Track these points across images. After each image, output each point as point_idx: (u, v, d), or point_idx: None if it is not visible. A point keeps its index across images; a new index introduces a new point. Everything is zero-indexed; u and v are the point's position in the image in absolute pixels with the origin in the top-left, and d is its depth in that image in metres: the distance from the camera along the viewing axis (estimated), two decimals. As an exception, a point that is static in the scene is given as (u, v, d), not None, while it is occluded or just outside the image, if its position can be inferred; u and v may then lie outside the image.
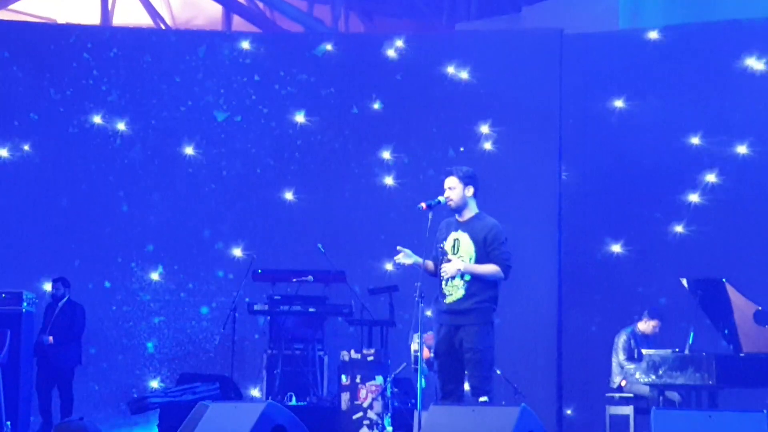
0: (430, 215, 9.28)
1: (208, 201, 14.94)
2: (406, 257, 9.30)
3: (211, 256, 14.82)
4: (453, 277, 9.27)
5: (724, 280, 11.29)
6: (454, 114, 14.75)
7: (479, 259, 9.28)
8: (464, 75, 14.78)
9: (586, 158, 14.47)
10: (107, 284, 14.72)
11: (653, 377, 11.34)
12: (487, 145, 14.54)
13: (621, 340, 12.61)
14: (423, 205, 9.35)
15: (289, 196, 14.88)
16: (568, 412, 14.00)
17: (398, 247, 9.30)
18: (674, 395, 11.72)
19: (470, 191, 9.41)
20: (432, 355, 9.78)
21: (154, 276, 14.75)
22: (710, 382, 10.94)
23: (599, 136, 14.47)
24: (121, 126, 14.89)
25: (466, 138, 14.63)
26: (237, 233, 14.82)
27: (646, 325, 12.70)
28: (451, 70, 14.82)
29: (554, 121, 14.43)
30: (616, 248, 14.31)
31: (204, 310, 14.77)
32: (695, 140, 14.26)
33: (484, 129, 14.62)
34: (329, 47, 15.03)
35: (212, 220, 14.89)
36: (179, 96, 15.05)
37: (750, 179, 14.08)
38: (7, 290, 13.03)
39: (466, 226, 9.39)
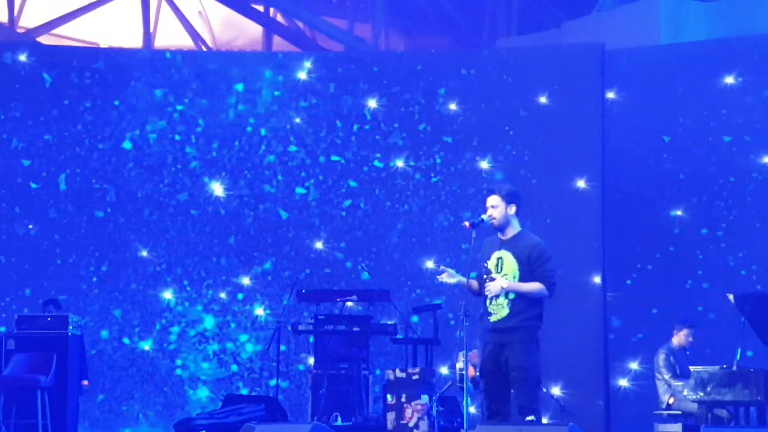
0: (473, 234, 9.26)
1: (248, 219, 14.94)
2: (449, 276, 9.27)
3: (253, 274, 14.80)
4: (497, 296, 9.23)
5: (771, 293, 11.20)
6: (495, 129, 14.69)
7: (523, 278, 9.24)
8: (506, 90, 14.74)
9: (628, 173, 14.36)
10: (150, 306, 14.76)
11: (701, 394, 11.23)
12: (529, 160, 14.47)
13: (660, 359, 12.53)
14: (466, 223, 9.33)
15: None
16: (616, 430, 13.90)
17: (441, 267, 9.29)
18: (723, 412, 11.58)
19: (513, 209, 9.36)
20: (477, 373, 9.73)
21: (196, 295, 14.79)
22: (759, 399, 10.82)
23: (642, 149, 14.37)
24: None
25: (507, 153, 14.57)
26: (281, 252, 14.81)
27: (679, 338, 12.65)
28: (492, 85, 14.79)
29: (597, 135, 14.35)
30: (661, 263, 14.20)
31: (247, 331, 14.78)
32: (739, 153, 14.17)
33: (527, 143, 14.56)
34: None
35: (256, 238, 14.88)
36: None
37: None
38: (53, 314, 13.10)
39: (509, 245, 9.35)
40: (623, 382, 14.05)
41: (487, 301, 9.30)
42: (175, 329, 14.71)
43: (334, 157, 14.98)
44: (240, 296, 14.78)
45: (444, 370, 13.74)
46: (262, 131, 15.06)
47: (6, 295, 14.40)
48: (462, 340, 9.10)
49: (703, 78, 14.41)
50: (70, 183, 14.77)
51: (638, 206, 14.38)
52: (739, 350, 11.11)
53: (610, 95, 14.52)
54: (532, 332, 9.28)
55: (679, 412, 12.01)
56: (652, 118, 14.44)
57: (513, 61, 14.99)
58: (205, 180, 14.92)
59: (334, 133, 15.05)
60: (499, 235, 9.42)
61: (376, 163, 14.94)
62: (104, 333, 14.54)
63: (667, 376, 12.33)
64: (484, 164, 14.61)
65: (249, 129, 15.05)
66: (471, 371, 11.85)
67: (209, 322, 14.74)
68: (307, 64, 15.05)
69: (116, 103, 14.92)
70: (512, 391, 9.21)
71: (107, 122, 14.92)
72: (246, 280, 14.76)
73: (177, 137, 14.97)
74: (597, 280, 14.10)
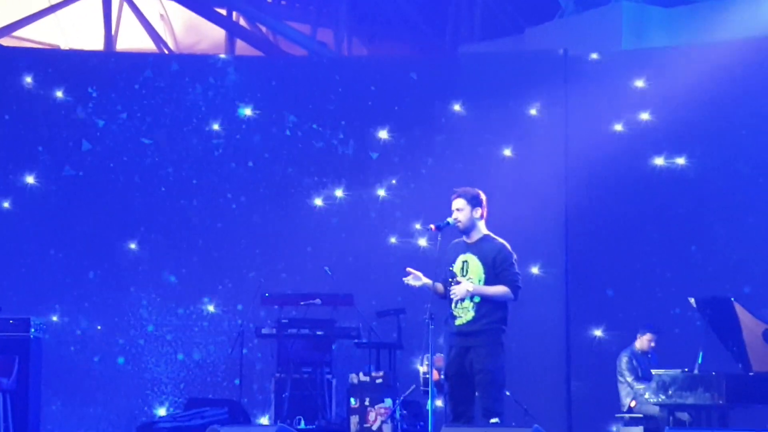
0: (439, 237, 9.32)
1: (212, 223, 14.90)
2: (415, 279, 9.31)
3: (217, 278, 14.76)
4: (462, 299, 9.29)
5: (732, 299, 11.31)
6: (460, 136, 14.75)
7: (488, 281, 9.29)
8: (468, 99, 14.78)
9: (591, 178, 14.42)
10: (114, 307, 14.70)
11: (663, 397, 11.33)
12: (494, 167, 14.51)
13: (623, 361, 12.64)
14: (432, 226, 9.40)
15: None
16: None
17: (408, 269, 9.32)
18: (684, 415, 11.70)
19: (478, 213, 9.44)
20: (442, 377, 9.78)
21: (159, 299, 14.73)
22: (720, 402, 10.92)
23: (605, 155, 14.41)
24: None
25: (472, 159, 14.61)
26: (244, 256, 14.77)
27: (641, 342, 12.77)
28: (455, 93, 14.84)
29: (560, 140, 14.44)
30: (625, 267, 14.27)
31: (209, 334, 14.72)
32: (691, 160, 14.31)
33: (491, 149, 14.61)
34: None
35: (220, 242, 14.84)
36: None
37: (752, 194, 14.08)
38: (14, 316, 13.02)
39: (474, 248, 9.41)
40: (584, 385, 14.12)
41: (453, 305, 9.35)
42: (140, 333, 14.64)
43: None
44: (206, 299, 14.75)
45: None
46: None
47: None
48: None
49: (664, 83, 14.48)
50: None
51: (602, 210, 14.44)
52: (701, 353, 11.21)
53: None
54: (497, 335, 9.35)
55: (641, 416, 12.09)
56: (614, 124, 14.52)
57: (476, 67, 15.06)
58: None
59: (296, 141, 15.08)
60: (464, 238, 9.48)
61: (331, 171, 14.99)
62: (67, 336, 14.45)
63: (629, 379, 12.42)
64: (444, 173, 14.60)
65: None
66: (435, 375, 11.90)
67: (173, 325, 14.68)
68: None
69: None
70: (477, 394, 9.28)
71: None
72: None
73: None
74: (560, 282, 14.19)
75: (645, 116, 14.41)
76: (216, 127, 14.96)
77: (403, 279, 9.32)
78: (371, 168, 14.97)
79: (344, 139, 15.03)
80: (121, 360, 14.56)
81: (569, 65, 14.73)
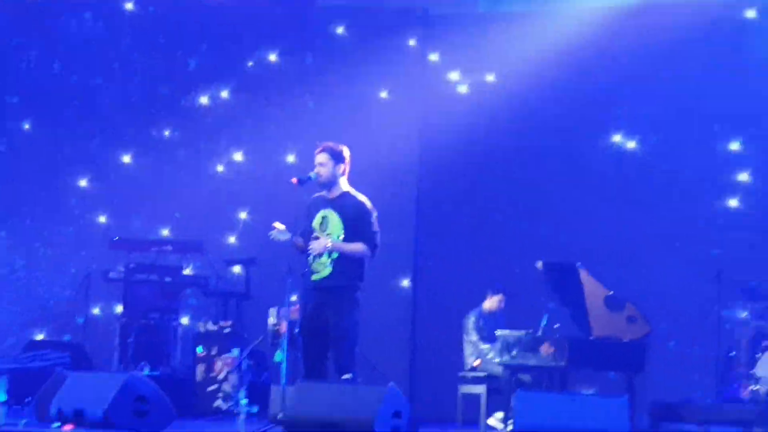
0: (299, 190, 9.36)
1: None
2: (280, 234, 9.33)
3: (66, 222, 14.48)
4: (320, 255, 9.36)
5: (578, 264, 11.54)
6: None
7: (347, 237, 9.39)
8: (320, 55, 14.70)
9: (445, 148, 14.38)
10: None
11: (506, 357, 11.56)
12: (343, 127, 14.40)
13: (470, 321, 12.76)
14: (294, 180, 9.45)
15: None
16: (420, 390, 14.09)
17: (275, 223, 9.34)
18: (526, 376, 11.95)
19: (341, 169, 9.53)
20: (296, 330, 9.81)
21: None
22: (562, 364, 11.18)
23: (453, 117, 14.36)
24: None
25: (324, 123, 14.46)
26: (97, 200, 14.50)
27: (491, 303, 12.82)
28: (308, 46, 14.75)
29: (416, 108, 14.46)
30: (472, 230, 14.39)
31: (55, 275, 14.44)
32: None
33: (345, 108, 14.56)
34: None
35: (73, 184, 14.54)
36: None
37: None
38: None
39: (334, 204, 9.48)
40: (428, 343, 14.25)
41: (310, 259, 9.41)
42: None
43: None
44: (55, 241, 14.44)
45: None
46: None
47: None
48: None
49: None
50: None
51: (454, 171, 14.37)
52: (546, 316, 11.45)
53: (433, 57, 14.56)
54: (353, 292, 9.49)
55: (484, 374, 12.27)
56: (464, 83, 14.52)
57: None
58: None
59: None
60: (325, 193, 9.54)
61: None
62: None
63: (474, 339, 12.58)
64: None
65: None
66: (282, 326, 11.93)
67: (18, 265, 14.37)
68: None
69: None
70: (330, 349, 9.37)
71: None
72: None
73: None
74: (408, 245, 14.29)
75: (492, 80, 14.41)
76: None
77: (269, 234, 9.34)
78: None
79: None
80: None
81: (429, 24, 14.68)
